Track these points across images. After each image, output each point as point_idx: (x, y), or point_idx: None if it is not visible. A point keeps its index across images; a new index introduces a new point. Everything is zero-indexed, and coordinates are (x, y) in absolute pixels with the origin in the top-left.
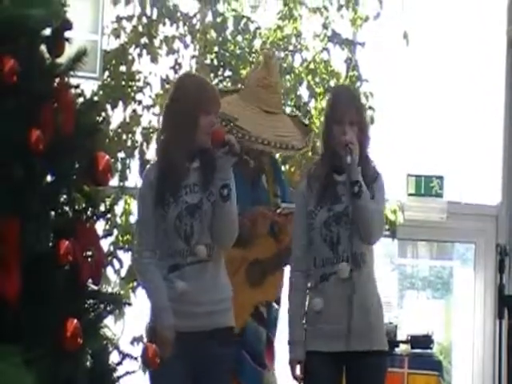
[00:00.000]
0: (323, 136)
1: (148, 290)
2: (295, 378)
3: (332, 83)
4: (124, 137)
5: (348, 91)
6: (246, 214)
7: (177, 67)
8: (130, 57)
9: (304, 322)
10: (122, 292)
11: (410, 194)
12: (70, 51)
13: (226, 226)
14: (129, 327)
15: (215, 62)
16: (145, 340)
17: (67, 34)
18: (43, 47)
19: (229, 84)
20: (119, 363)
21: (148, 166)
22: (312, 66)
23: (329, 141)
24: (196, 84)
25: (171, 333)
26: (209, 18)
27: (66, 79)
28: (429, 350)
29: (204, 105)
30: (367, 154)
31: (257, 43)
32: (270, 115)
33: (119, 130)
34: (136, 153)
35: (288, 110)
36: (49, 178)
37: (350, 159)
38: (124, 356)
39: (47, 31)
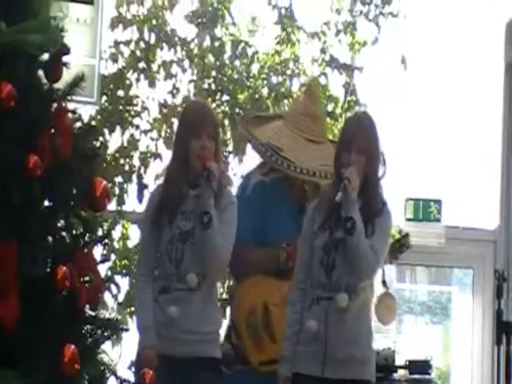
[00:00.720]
0: (334, 161)
1: (137, 309)
2: None
3: (330, 108)
4: (121, 161)
5: (358, 118)
6: (293, 245)
7: (174, 92)
8: (127, 81)
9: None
10: (119, 317)
11: (408, 219)
12: (67, 76)
13: (208, 254)
14: (126, 353)
15: (213, 87)
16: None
17: (65, 58)
18: (41, 72)
19: (226, 109)
20: None
21: (155, 187)
22: None
23: (337, 167)
24: (191, 108)
25: (152, 352)
26: (207, 42)
27: (64, 104)
28: (427, 376)
29: (195, 128)
30: (375, 185)
31: (254, 68)
32: (314, 144)
33: (117, 155)
34: (134, 177)
35: None
36: (46, 203)
37: (340, 197)
38: (121, 382)
39: (45, 56)
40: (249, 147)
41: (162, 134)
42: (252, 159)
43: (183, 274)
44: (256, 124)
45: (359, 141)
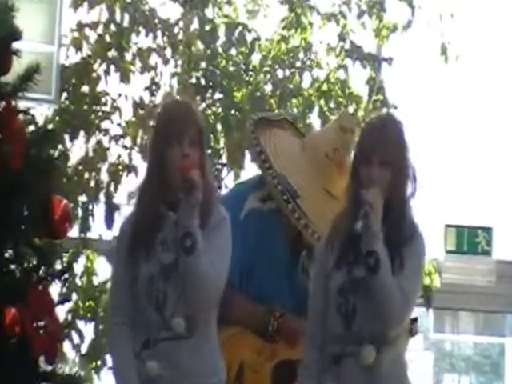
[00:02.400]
0: (350, 177)
1: (113, 368)
2: None
3: (351, 109)
4: (86, 175)
5: (381, 122)
6: (284, 318)
7: (153, 88)
8: (94, 74)
9: None
10: (82, 373)
11: (450, 252)
12: (18, 67)
13: (192, 286)
14: None
15: (202, 82)
16: None
17: (15, 45)
18: None
19: (219, 110)
20: None
21: (126, 215)
22: (325, 87)
23: (354, 185)
24: (166, 108)
25: None
26: (194, 25)
27: (14, 102)
28: None
29: (171, 133)
30: (403, 206)
31: (255, 58)
32: (332, 200)
33: (80, 167)
34: (101, 196)
35: None
36: None
37: (360, 226)
38: None
39: None
40: (247, 159)
41: (138, 141)
42: (250, 174)
43: (168, 319)
44: (262, 131)
45: (382, 150)
